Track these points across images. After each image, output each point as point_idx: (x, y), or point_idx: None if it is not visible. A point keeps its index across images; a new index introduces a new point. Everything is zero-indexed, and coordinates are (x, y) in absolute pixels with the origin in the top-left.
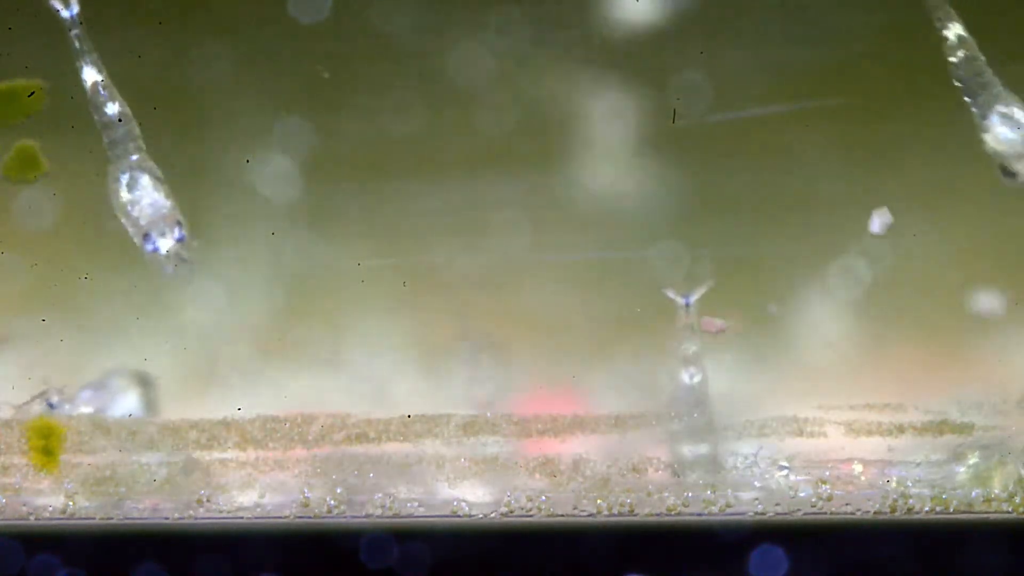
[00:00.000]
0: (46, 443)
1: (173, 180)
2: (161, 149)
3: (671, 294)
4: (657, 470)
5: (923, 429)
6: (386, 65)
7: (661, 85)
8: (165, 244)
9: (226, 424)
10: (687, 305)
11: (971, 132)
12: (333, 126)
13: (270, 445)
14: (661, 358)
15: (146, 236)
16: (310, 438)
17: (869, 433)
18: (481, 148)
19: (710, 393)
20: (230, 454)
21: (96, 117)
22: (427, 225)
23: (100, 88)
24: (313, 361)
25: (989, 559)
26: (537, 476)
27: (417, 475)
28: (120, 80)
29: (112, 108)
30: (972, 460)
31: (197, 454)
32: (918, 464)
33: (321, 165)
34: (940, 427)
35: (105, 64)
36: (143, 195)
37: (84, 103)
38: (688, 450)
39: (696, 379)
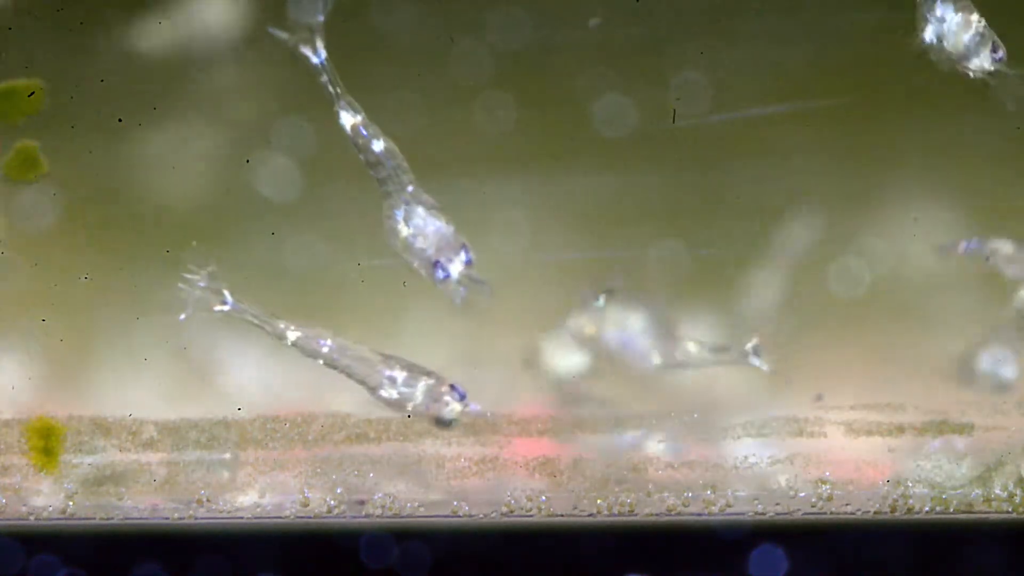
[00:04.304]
0: (46, 443)
1: (173, 180)
2: (161, 149)
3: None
4: (657, 470)
5: (923, 429)
6: (386, 65)
7: (661, 85)
8: (456, 269)
9: (226, 424)
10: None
11: (972, 132)
12: (333, 126)
13: (270, 445)
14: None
15: (435, 264)
16: (310, 438)
17: (869, 433)
18: (481, 148)
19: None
20: (230, 454)
21: (362, 157)
22: None
23: (361, 129)
24: (313, 361)
25: (989, 559)
26: (537, 476)
27: (417, 475)
28: (120, 80)
29: (378, 145)
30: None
31: (203, 454)
32: (918, 464)
33: (321, 165)
34: (940, 427)
35: (105, 64)
36: (425, 225)
37: (84, 103)
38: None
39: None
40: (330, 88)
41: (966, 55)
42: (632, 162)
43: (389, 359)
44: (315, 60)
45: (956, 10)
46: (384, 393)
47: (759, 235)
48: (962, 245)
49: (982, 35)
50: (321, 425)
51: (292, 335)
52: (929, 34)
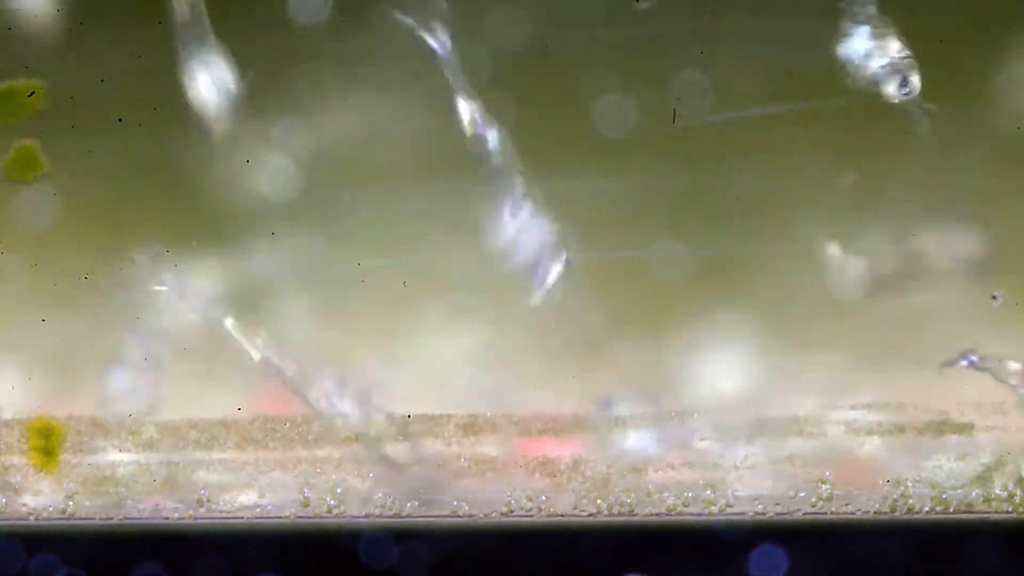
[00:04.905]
0: (46, 443)
1: (173, 180)
2: (161, 149)
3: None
4: (657, 470)
5: (923, 429)
6: (386, 65)
7: (661, 85)
8: (554, 274)
9: (226, 424)
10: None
11: (972, 132)
12: (333, 126)
13: (270, 445)
14: (661, 357)
15: (534, 265)
16: (310, 438)
17: (869, 433)
18: (481, 148)
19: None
20: (230, 454)
21: (476, 148)
22: (427, 225)
23: (478, 119)
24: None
25: (989, 559)
26: (537, 476)
27: (417, 475)
28: (120, 80)
29: (492, 137)
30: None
31: (203, 454)
32: (918, 464)
33: (321, 165)
34: (940, 427)
35: (105, 64)
36: (530, 223)
37: (84, 103)
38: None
39: None
40: (450, 77)
41: (877, 82)
42: (632, 162)
43: (320, 366)
44: (439, 49)
45: (872, 36)
46: (310, 396)
47: (759, 235)
48: (962, 363)
49: (893, 65)
50: (321, 425)
51: (228, 322)
52: (843, 51)
